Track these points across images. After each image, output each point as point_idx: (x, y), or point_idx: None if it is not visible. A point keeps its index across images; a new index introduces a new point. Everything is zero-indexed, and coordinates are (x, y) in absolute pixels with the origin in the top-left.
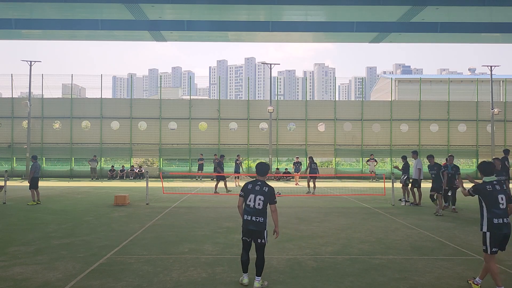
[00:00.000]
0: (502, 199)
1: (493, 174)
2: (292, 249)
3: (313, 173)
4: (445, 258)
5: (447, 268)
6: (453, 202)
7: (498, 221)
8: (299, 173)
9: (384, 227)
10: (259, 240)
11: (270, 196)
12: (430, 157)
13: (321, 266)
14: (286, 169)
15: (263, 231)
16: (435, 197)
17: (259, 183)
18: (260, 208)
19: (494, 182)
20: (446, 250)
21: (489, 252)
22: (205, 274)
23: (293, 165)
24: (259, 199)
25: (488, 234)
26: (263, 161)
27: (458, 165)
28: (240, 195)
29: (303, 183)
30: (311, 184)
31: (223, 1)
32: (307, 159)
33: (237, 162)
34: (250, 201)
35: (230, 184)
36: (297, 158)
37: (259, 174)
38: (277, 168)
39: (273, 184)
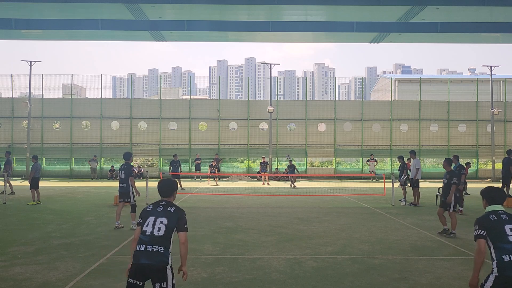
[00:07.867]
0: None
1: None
2: (292, 249)
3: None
4: (445, 258)
5: (447, 268)
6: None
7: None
8: (266, 173)
9: (384, 227)
10: (160, 285)
11: (179, 219)
12: (455, 158)
13: (321, 266)
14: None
15: (164, 268)
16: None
17: (163, 203)
18: (160, 234)
19: (500, 212)
20: (446, 250)
21: None
22: (205, 274)
23: (260, 165)
24: (161, 222)
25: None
26: (169, 177)
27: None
28: (138, 224)
29: (273, 183)
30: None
31: (223, 1)
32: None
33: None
34: (147, 225)
35: (203, 184)
36: (264, 158)
37: (163, 194)
38: (277, 168)
39: (273, 184)
